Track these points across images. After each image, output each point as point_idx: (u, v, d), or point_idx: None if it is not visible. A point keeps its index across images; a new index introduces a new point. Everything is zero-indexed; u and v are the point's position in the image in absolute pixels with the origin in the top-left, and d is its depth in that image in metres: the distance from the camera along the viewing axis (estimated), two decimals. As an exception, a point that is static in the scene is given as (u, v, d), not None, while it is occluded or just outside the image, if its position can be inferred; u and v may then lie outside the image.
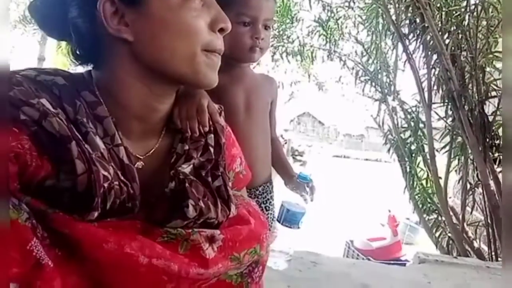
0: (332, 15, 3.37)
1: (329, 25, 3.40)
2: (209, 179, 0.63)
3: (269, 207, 1.32)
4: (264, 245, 0.65)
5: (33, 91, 0.52)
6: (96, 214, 0.51)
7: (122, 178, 0.56)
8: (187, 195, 0.58)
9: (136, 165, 0.60)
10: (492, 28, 2.41)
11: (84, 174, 0.51)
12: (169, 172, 0.61)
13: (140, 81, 0.59)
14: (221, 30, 0.61)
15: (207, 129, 0.70)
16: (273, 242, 1.16)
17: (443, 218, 2.86)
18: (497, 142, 2.50)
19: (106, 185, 0.52)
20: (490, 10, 2.45)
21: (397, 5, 2.71)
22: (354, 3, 3.17)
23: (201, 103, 0.71)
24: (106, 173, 0.53)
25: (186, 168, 0.62)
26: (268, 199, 1.31)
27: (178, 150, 0.66)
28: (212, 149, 0.67)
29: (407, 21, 2.76)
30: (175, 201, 0.58)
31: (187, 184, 0.59)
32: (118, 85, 0.60)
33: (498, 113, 2.40)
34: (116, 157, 0.57)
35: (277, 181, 1.41)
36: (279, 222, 1.17)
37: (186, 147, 0.66)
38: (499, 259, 2.45)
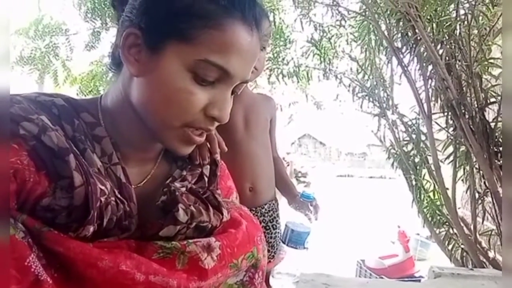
0: (325, 34, 3.41)
1: (322, 45, 3.43)
2: (199, 194, 0.63)
3: (275, 226, 1.29)
4: (260, 248, 0.64)
5: (33, 109, 0.53)
6: (91, 229, 0.50)
7: (119, 195, 0.55)
8: (177, 201, 0.57)
9: None
10: (484, 36, 2.42)
11: (82, 186, 0.50)
12: (162, 190, 0.60)
13: (135, 114, 0.60)
14: (213, 118, 0.58)
15: (206, 161, 0.70)
16: (280, 264, 1.13)
17: (455, 230, 2.79)
18: (501, 148, 2.47)
19: (103, 199, 0.51)
20: (480, 18, 2.47)
21: (387, 20, 2.74)
22: (345, 21, 3.21)
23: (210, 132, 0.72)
24: (103, 187, 0.52)
25: (179, 187, 0.61)
26: (275, 217, 1.29)
27: (175, 175, 0.66)
28: (206, 179, 0.67)
29: (399, 35, 2.79)
30: (166, 210, 0.56)
31: (177, 193, 0.58)
32: (117, 109, 0.61)
33: (499, 119, 2.38)
34: (114, 175, 0.57)
35: (281, 201, 1.38)
36: (283, 243, 1.15)
37: (184, 173, 0.66)
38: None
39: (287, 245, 1.14)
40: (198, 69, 0.54)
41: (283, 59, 3.76)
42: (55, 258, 0.48)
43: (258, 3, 0.59)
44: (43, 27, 4.28)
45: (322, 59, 3.52)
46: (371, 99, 3.29)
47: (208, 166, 0.69)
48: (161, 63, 0.55)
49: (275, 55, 3.74)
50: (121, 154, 0.60)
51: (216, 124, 0.61)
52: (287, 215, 1.21)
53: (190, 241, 0.55)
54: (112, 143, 0.59)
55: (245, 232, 0.62)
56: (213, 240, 0.57)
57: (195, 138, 0.59)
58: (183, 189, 0.61)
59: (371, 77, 3.29)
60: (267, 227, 1.27)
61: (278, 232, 1.30)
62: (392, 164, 3.18)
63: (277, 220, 1.30)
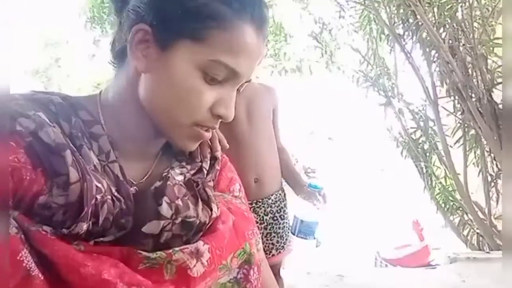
0: (325, 27, 3.39)
1: (323, 37, 3.41)
2: (194, 185, 0.62)
3: (283, 216, 1.28)
4: (252, 242, 0.61)
5: (30, 106, 0.52)
6: (84, 226, 0.48)
7: (116, 194, 0.53)
8: (163, 194, 0.55)
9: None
10: (487, 17, 2.39)
11: (77, 183, 0.49)
12: (160, 176, 0.59)
13: (141, 108, 0.59)
14: (219, 116, 0.58)
15: (207, 158, 0.69)
16: (291, 255, 1.12)
17: (469, 216, 2.75)
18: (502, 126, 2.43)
19: (99, 197, 0.50)
20: (482, -2, 2.44)
21: (387, 8, 2.71)
22: (344, 12, 3.18)
23: None
24: (99, 185, 0.51)
25: (176, 175, 0.60)
26: (282, 207, 1.28)
27: (174, 165, 0.65)
28: (205, 171, 0.67)
29: (400, 22, 2.76)
30: (153, 201, 0.55)
31: (168, 182, 0.57)
32: (119, 105, 0.60)
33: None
34: (111, 173, 0.56)
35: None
36: (293, 234, 1.14)
37: (183, 164, 0.65)
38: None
39: (296, 236, 1.13)
40: (208, 69, 0.55)
41: (285, 54, 3.75)
42: (41, 259, 0.47)
43: (263, 2, 0.59)
44: (45, 39, 4.32)
45: (324, 52, 3.50)
46: (376, 89, 3.26)
47: (208, 161, 0.69)
48: (171, 61, 0.55)
49: (276, 51, 3.73)
50: (121, 151, 0.59)
51: (219, 121, 0.60)
52: (296, 206, 1.20)
53: (177, 249, 0.53)
54: (109, 141, 0.58)
55: (232, 228, 0.60)
56: (201, 244, 0.55)
57: (204, 134, 0.59)
58: (180, 177, 0.60)
59: (374, 66, 3.26)
60: (275, 218, 1.25)
61: (287, 223, 1.28)
62: (402, 153, 3.15)
63: (284, 211, 1.29)
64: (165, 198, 0.54)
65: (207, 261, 0.54)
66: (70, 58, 4.41)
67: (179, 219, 0.54)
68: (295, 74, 3.80)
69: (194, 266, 0.53)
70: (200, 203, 0.58)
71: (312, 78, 4.19)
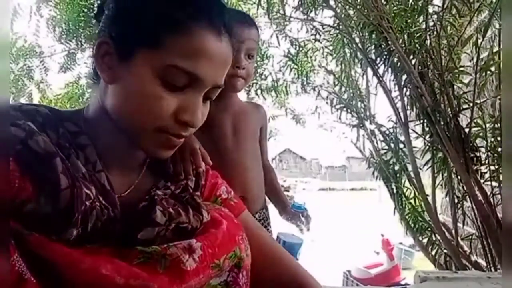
0: (301, 49, 3.48)
1: (298, 59, 3.49)
2: (179, 197, 0.64)
3: (267, 235, 1.28)
4: (242, 247, 0.64)
5: (19, 115, 0.54)
6: (74, 232, 0.49)
7: (103, 202, 0.55)
8: (155, 204, 0.57)
9: None
10: (453, 46, 2.52)
11: (67, 189, 0.50)
12: (145, 197, 0.60)
13: (112, 122, 0.60)
14: (185, 123, 0.59)
15: (191, 176, 0.70)
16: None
17: (437, 236, 2.83)
18: (477, 154, 2.54)
19: (88, 203, 0.51)
20: (449, 28, 2.58)
21: (361, 33, 2.82)
22: (320, 35, 3.28)
23: (194, 146, 0.73)
24: (88, 192, 0.52)
25: (160, 194, 0.62)
26: (266, 226, 1.28)
27: (159, 185, 0.66)
28: (190, 190, 0.68)
29: (373, 47, 2.87)
30: (145, 213, 0.56)
31: (156, 198, 0.58)
32: (96, 118, 0.62)
33: (473, 124, 2.45)
34: (98, 182, 0.57)
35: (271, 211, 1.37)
36: None
37: (168, 184, 0.67)
38: (498, 269, 2.41)
39: None
40: (167, 75, 0.55)
41: (261, 74, 3.81)
42: (36, 262, 0.48)
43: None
44: (16, 50, 4.22)
45: (299, 73, 3.58)
46: (349, 110, 3.35)
47: (194, 178, 0.70)
48: (132, 70, 0.56)
49: (253, 70, 3.78)
50: (104, 163, 0.60)
51: (191, 130, 0.61)
52: (279, 225, 1.21)
53: (171, 244, 0.55)
54: (96, 151, 0.59)
55: (226, 232, 0.62)
56: (194, 241, 0.57)
57: (173, 141, 0.60)
58: (165, 197, 0.61)
59: (347, 89, 3.36)
60: None
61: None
62: (373, 173, 3.23)
63: (268, 229, 1.29)
64: (158, 207, 0.56)
65: (198, 257, 0.56)
66: (43, 70, 4.32)
67: (173, 225, 0.57)
68: (271, 94, 3.85)
69: (187, 260, 0.54)
70: (190, 210, 0.60)
71: (288, 98, 4.27)
